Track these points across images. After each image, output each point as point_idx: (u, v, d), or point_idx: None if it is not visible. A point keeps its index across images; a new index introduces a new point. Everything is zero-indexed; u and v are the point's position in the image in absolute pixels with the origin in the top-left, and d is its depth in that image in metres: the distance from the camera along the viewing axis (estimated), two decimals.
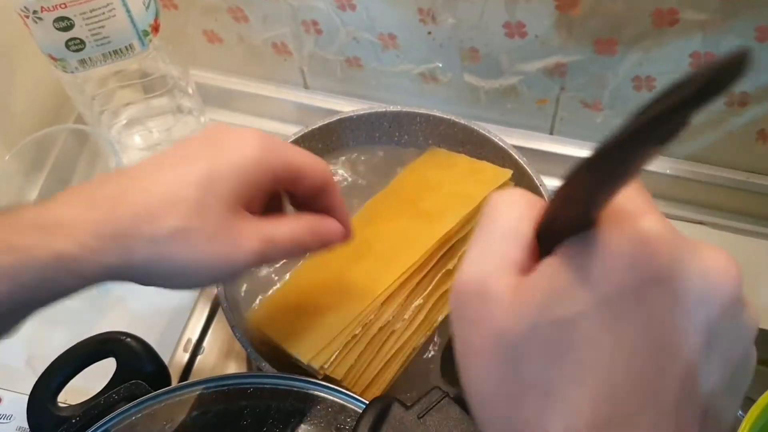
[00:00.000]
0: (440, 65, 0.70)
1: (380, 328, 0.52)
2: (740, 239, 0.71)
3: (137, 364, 0.54)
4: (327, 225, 0.46)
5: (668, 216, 0.72)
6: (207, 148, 0.41)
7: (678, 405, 0.24)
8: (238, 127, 0.43)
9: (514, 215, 0.27)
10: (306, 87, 0.79)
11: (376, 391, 0.53)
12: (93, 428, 0.48)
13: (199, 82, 0.81)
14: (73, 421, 0.50)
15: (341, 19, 0.69)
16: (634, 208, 0.25)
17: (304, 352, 0.51)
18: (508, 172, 0.60)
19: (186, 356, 0.65)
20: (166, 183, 0.39)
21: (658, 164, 0.71)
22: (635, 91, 0.66)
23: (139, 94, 0.75)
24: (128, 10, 0.59)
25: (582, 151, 0.73)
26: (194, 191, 0.38)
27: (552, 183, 0.75)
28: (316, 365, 0.50)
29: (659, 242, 0.24)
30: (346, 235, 0.47)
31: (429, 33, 0.67)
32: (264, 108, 0.81)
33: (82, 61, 0.61)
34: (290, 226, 0.43)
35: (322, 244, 0.45)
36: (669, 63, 0.62)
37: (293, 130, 0.65)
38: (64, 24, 0.58)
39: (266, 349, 0.53)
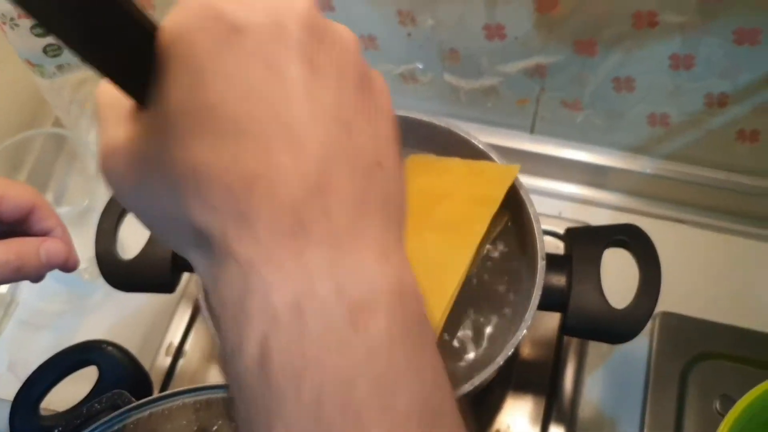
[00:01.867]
0: (420, 66, 0.70)
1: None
2: (721, 237, 0.71)
3: (119, 372, 0.54)
4: (40, 246, 0.45)
5: (649, 215, 0.73)
6: None
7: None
8: None
9: None
10: None
11: None
12: None
13: None
14: (56, 431, 0.50)
15: None
16: None
17: None
18: (516, 168, 0.59)
19: (168, 360, 0.65)
20: None
21: (639, 163, 0.72)
22: (615, 92, 0.66)
23: None
24: None
25: (563, 150, 0.73)
26: None
27: (534, 183, 0.75)
28: None
29: None
30: (69, 255, 0.47)
31: (408, 35, 0.67)
32: None
33: (60, 67, 0.61)
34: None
35: (39, 265, 0.45)
36: (648, 63, 0.62)
37: None
38: (41, 30, 0.57)
39: None
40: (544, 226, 0.72)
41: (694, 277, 0.69)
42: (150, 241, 0.59)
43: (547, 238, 0.72)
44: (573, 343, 0.67)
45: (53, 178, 0.70)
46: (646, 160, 0.72)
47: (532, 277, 0.56)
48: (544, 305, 0.55)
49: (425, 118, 0.64)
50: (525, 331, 0.53)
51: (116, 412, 0.48)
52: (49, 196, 0.72)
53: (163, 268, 0.58)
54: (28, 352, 0.71)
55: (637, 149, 0.72)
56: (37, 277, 0.46)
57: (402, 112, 0.64)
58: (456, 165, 0.62)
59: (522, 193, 0.59)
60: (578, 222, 0.73)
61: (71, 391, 0.55)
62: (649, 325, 0.56)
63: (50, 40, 0.58)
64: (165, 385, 0.64)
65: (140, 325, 0.69)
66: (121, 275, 0.58)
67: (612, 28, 0.60)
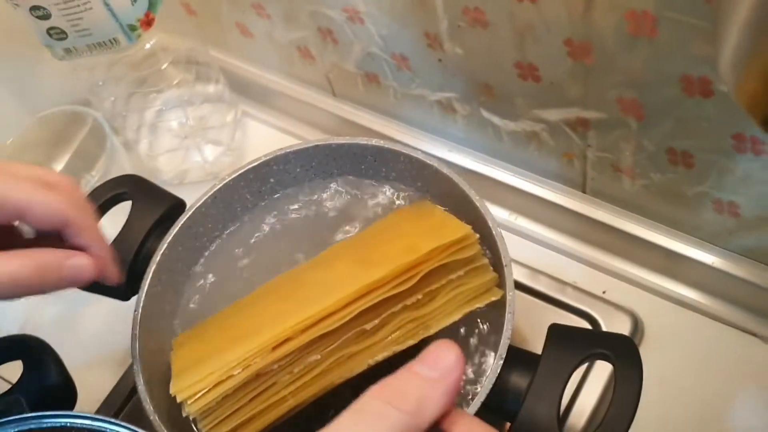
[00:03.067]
0: (456, 96, 0.61)
1: (258, 375, 0.46)
2: None
3: (41, 373, 0.53)
4: (64, 261, 0.42)
5: (709, 315, 0.59)
6: None
7: None
8: None
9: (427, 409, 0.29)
10: (334, 95, 0.73)
11: None
12: None
13: (236, 73, 0.78)
14: None
15: (353, 32, 0.62)
16: None
17: (177, 384, 0.47)
18: (465, 228, 0.49)
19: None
20: None
21: (704, 253, 0.58)
22: (671, 165, 0.53)
23: (167, 80, 0.73)
24: (107, 4, 0.56)
25: (616, 219, 0.61)
26: None
27: (581, 250, 0.64)
28: (180, 398, 0.45)
29: None
30: (101, 272, 0.44)
31: (440, 60, 0.58)
32: (295, 109, 0.77)
33: (68, 50, 0.60)
34: (10, 263, 0.39)
35: (60, 281, 0.42)
36: (707, 140, 0.49)
37: (321, 137, 0.59)
38: (41, 13, 0.56)
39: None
40: (579, 304, 0.62)
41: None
42: (114, 243, 0.57)
43: (578, 320, 0.61)
44: None
45: (71, 151, 0.71)
46: (713, 252, 0.58)
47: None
48: (492, 407, 0.46)
49: (428, 161, 0.56)
50: None
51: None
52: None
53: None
54: (35, 322, 0.73)
55: (706, 236, 0.58)
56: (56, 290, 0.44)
57: (407, 151, 0.57)
58: (437, 214, 0.54)
59: (505, 271, 0.50)
60: (621, 308, 0.61)
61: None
62: None
63: (52, 23, 0.57)
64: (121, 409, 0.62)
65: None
66: None
67: (657, 90, 0.48)
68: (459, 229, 0.49)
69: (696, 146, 0.50)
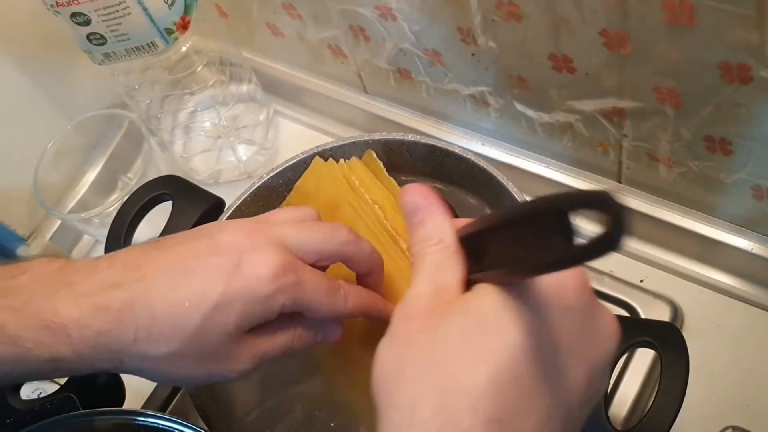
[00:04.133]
0: (489, 89, 0.61)
1: None
2: None
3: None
4: (323, 333, 0.44)
5: (748, 301, 0.59)
6: (226, 264, 0.38)
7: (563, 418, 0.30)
8: (264, 240, 0.40)
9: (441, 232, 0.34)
10: (366, 92, 0.73)
11: None
12: None
13: (267, 73, 0.79)
14: (8, 421, 0.51)
15: (385, 29, 0.62)
16: None
17: None
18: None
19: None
20: (174, 303, 0.38)
21: (742, 239, 0.58)
22: (709, 152, 0.53)
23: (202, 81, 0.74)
24: (145, 9, 0.57)
25: (652, 208, 0.61)
26: (199, 320, 0.38)
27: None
28: None
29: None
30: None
31: (473, 54, 0.59)
32: (327, 108, 0.77)
33: (107, 55, 0.61)
34: (285, 338, 0.42)
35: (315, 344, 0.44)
36: (745, 126, 0.49)
37: (353, 134, 0.60)
38: (81, 19, 0.57)
39: None
40: (617, 293, 0.63)
41: None
42: None
43: (617, 308, 0.62)
44: None
45: (110, 153, 0.72)
46: (752, 237, 0.58)
47: None
48: None
49: (465, 154, 0.56)
50: None
51: (50, 420, 0.48)
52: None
53: None
54: None
55: (744, 222, 0.58)
56: None
57: (443, 145, 0.57)
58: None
59: None
60: (659, 296, 0.61)
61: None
62: None
63: (91, 29, 0.58)
64: (164, 408, 0.63)
65: None
66: None
67: (695, 78, 0.48)
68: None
69: (734, 133, 0.50)
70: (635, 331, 0.47)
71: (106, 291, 0.38)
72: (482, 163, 0.55)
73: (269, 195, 0.60)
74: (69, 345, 0.37)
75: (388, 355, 0.31)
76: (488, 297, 0.30)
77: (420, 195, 0.36)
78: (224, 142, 0.77)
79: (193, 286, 0.38)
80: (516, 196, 0.53)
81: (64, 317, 0.37)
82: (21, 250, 0.74)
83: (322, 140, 0.62)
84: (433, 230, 0.34)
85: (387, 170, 0.61)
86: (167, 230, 0.58)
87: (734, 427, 0.54)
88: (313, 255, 0.41)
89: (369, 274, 0.44)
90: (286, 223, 0.42)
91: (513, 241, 0.29)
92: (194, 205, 0.59)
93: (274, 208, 0.61)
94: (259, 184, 0.59)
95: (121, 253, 0.40)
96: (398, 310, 0.33)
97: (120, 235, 0.58)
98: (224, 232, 0.40)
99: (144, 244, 0.42)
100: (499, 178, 0.54)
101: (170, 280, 0.38)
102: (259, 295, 0.38)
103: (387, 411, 0.29)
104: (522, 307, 0.30)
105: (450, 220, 0.35)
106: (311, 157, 0.59)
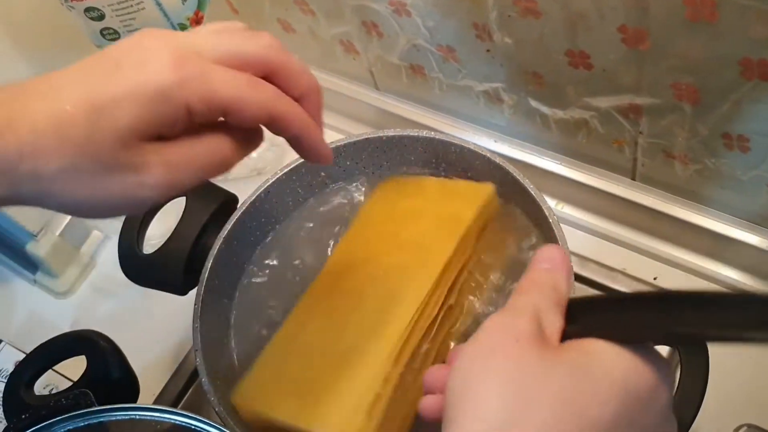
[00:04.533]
0: (503, 86, 0.61)
1: (395, 386, 0.46)
2: None
3: (105, 367, 0.54)
4: (248, 141, 0.38)
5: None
6: (108, 65, 0.35)
7: None
8: (156, 35, 0.35)
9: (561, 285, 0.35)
10: (377, 88, 0.73)
11: None
12: None
13: None
14: (23, 417, 0.51)
15: (399, 25, 0.62)
16: None
17: (329, 425, 0.45)
18: (488, 187, 0.52)
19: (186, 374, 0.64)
20: (56, 112, 0.34)
21: (757, 236, 0.58)
22: (726, 149, 0.53)
23: None
24: (159, 3, 0.57)
25: (666, 206, 0.61)
26: (83, 125, 0.34)
27: (630, 236, 0.64)
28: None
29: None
30: (316, 157, 0.39)
31: (488, 51, 0.59)
32: (338, 104, 0.77)
33: None
34: (204, 147, 0.36)
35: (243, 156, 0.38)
36: (764, 123, 0.49)
37: (364, 131, 0.60)
38: (95, 14, 0.57)
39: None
40: (629, 290, 0.62)
41: None
42: (170, 239, 0.58)
43: None
44: None
45: None
46: (766, 235, 0.58)
47: None
48: None
49: (480, 151, 0.56)
50: None
51: (67, 415, 0.48)
52: None
53: (176, 268, 0.57)
54: (90, 316, 0.74)
55: (759, 219, 0.58)
56: None
57: (458, 141, 0.57)
58: (430, 184, 0.56)
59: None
60: None
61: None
62: None
63: (105, 23, 0.58)
64: (176, 403, 0.63)
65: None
66: (137, 268, 0.58)
67: (714, 74, 0.48)
68: (481, 189, 0.53)
69: (753, 129, 0.50)
70: None
71: None
72: (497, 159, 0.55)
73: (283, 190, 0.60)
74: None
75: (498, 369, 0.31)
76: (603, 346, 0.31)
77: (559, 252, 0.37)
78: None
79: (75, 91, 0.34)
80: (533, 192, 0.53)
81: None
82: (30, 246, 0.74)
83: (333, 137, 0.62)
84: (555, 279, 0.35)
85: (401, 167, 0.61)
86: (181, 226, 0.58)
87: (749, 425, 0.54)
88: (228, 60, 0.35)
89: (303, 98, 0.38)
90: (200, 32, 0.37)
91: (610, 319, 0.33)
92: (208, 200, 0.59)
93: (288, 204, 0.61)
94: (273, 180, 0.59)
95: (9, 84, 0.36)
96: (496, 325, 0.33)
97: (133, 230, 0.57)
98: (122, 41, 0.36)
99: None
100: (515, 174, 0.54)
101: (51, 90, 0.35)
102: (150, 89, 0.33)
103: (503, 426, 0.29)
104: (629, 365, 0.31)
105: (570, 283, 0.36)
106: None
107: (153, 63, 0.34)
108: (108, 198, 0.35)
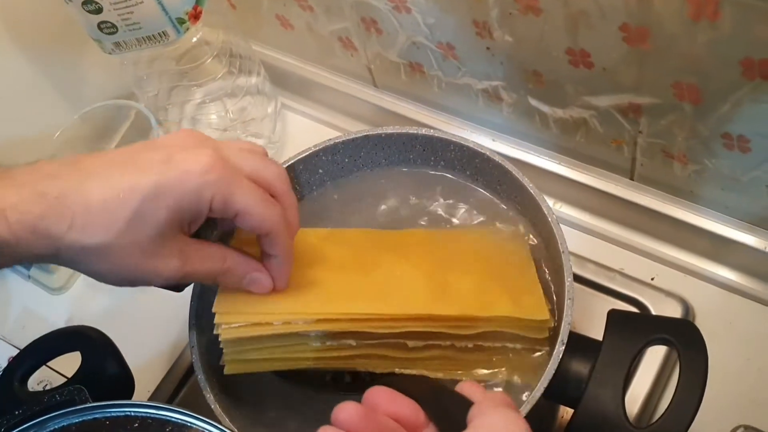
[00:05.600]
0: (502, 84, 0.61)
1: (293, 334, 0.47)
2: None
3: (100, 363, 0.53)
4: (248, 273, 0.46)
5: (760, 300, 0.59)
6: (158, 158, 0.41)
7: None
8: (200, 143, 0.43)
9: None
10: (375, 86, 0.73)
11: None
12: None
13: (275, 65, 0.78)
14: (17, 413, 0.50)
15: (398, 21, 0.62)
16: None
17: (221, 305, 0.47)
18: (545, 313, 0.48)
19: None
20: (109, 192, 0.40)
21: (756, 238, 0.58)
22: (726, 149, 0.53)
23: (206, 74, 0.73)
24: None
25: (664, 206, 0.61)
26: (131, 210, 0.40)
27: (628, 237, 0.64)
28: (218, 319, 0.46)
29: None
30: (272, 289, 0.46)
31: (488, 48, 0.58)
32: (335, 101, 0.77)
33: (117, 44, 0.60)
34: (214, 261, 0.44)
35: (234, 285, 0.46)
36: (766, 123, 0.49)
37: (361, 128, 0.60)
38: (93, 7, 0.57)
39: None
40: (628, 291, 0.62)
41: None
42: None
43: (628, 306, 0.61)
44: None
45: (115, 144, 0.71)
46: (766, 236, 0.57)
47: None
48: (553, 394, 0.46)
49: (479, 149, 0.56)
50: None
51: (59, 411, 0.47)
52: None
53: None
54: (84, 312, 0.73)
55: (757, 220, 0.57)
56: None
57: (457, 140, 0.57)
58: (521, 260, 0.53)
59: (563, 263, 0.50)
60: (670, 294, 0.61)
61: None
62: None
63: (103, 17, 0.57)
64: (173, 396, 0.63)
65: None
66: None
67: (715, 73, 0.48)
68: (540, 310, 0.48)
69: (753, 130, 0.50)
70: (653, 328, 0.47)
71: (45, 180, 0.40)
72: (497, 158, 0.55)
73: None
74: (7, 228, 0.39)
75: None
76: None
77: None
78: (231, 134, 0.77)
79: (127, 177, 0.40)
80: (532, 192, 0.53)
81: (3, 202, 0.39)
82: None
83: (330, 134, 0.61)
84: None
85: (399, 164, 0.60)
86: None
87: (746, 426, 0.54)
88: (250, 174, 0.43)
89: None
90: (231, 147, 0.44)
91: None
92: None
93: None
94: None
95: (65, 156, 0.44)
96: None
97: None
98: (169, 136, 0.44)
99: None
100: (514, 173, 0.54)
101: (106, 172, 0.41)
102: (188, 187, 0.40)
103: None
104: None
105: None
106: (323, 150, 0.59)
107: (197, 162, 0.41)
108: (131, 274, 0.42)
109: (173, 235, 0.42)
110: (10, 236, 0.39)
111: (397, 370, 0.48)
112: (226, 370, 0.49)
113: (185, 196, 0.41)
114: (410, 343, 0.47)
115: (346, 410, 0.33)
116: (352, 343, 0.47)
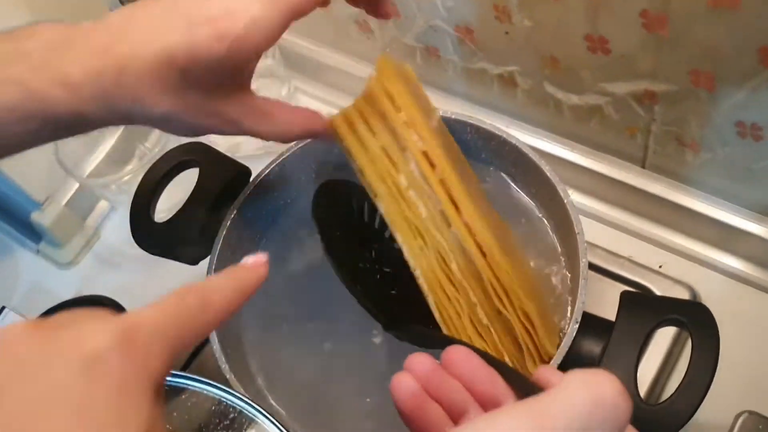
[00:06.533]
0: (519, 69, 0.62)
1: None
2: None
3: None
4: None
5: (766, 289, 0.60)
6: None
7: None
8: None
9: None
10: None
11: None
12: None
13: (289, 48, 0.79)
14: None
15: (417, 4, 0.62)
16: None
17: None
18: (547, 354, 0.48)
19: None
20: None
21: (763, 228, 0.59)
22: (739, 137, 0.54)
23: None
24: None
25: (675, 194, 0.62)
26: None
27: (637, 224, 0.65)
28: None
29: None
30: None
31: (506, 33, 0.59)
32: (348, 85, 0.77)
33: None
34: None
35: None
36: None
37: None
38: None
39: None
40: (636, 278, 0.63)
41: None
42: (183, 209, 0.58)
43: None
44: None
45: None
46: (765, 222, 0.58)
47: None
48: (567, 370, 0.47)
49: (496, 131, 0.57)
50: None
51: None
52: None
53: (190, 236, 0.57)
54: (93, 287, 0.74)
55: (766, 210, 0.58)
56: None
57: (474, 122, 0.57)
58: None
59: (578, 242, 0.50)
60: (678, 282, 0.62)
61: None
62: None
63: None
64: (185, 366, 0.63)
65: None
66: (149, 237, 0.57)
67: (733, 61, 0.48)
68: (552, 341, 0.48)
69: (767, 118, 0.51)
70: (665, 309, 0.48)
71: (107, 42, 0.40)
72: (513, 141, 0.56)
73: (297, 166, 0.60)
74: (81, 101, 0.39)
75: None
76: None
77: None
78: None
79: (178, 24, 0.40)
80: (549, 175, 0.53)
81: (75, 77, 0.39)
82: (35, 216, 0.74)
83: None
84: None
85: None
86: (194, 197, 0.58)
87: (750, 412, 0.55)
88: None
89: None
90: None
91: None
92: (221, 172, 0.59)
93: (300, 180, 0.61)
94: (288, 154, 0.59)
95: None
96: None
97: (146, 196, 0.57)
98: None
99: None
100: (531, 156, 0.55)
101: (153, 22, 0.40)
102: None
103: None
104: None
105: None
106: None
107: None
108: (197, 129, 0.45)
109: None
110: (88, 108, 0.40)
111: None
112: None
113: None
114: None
115: (420, 360, 0.34)
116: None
